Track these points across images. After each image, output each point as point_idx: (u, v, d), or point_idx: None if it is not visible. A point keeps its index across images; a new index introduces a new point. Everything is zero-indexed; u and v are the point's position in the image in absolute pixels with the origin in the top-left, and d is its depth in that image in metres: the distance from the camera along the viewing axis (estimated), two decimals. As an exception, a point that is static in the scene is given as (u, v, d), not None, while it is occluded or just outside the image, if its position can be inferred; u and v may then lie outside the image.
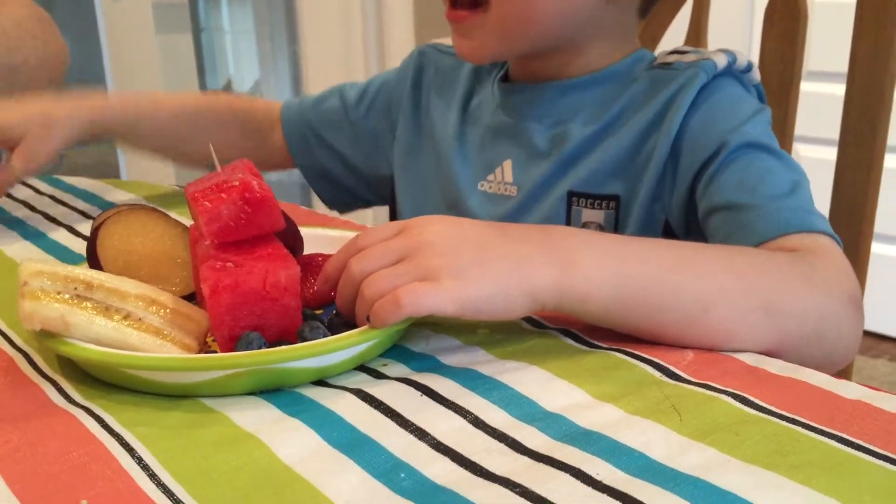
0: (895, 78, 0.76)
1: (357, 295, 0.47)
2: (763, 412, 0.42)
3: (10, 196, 0.84)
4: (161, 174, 2.14)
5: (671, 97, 0.64)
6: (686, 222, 0.64)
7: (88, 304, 0.46)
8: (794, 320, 0.49)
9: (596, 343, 0.50)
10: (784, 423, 0.41)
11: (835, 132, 0.79)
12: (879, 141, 0.78)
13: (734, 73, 0.66)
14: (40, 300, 0.45)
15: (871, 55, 0.76)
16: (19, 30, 0.89)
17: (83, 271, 0.47)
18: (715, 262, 0.50)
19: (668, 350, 0.48)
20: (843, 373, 0.78)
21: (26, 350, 0.51)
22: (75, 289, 0.46)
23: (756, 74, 0.67)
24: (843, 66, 0.79)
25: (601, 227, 0.66)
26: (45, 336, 0.46)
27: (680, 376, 0.46)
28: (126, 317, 0.47)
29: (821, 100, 1.15)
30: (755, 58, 0.78)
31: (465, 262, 0.46)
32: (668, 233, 0.65)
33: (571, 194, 0.67)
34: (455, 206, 0.74)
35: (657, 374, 0.46)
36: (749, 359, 0.48)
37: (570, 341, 0.50)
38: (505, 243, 0.47)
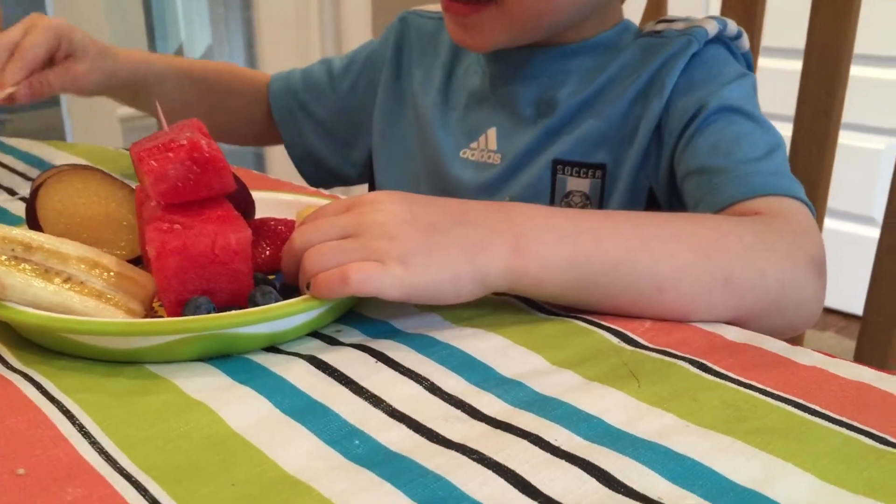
0: (851, 54, 0.77)
1: (299, 266, 0.45)
2: (721, 378, 0.41)
3: (-55, 157, 0.80)
4: (108, 139, 2.08)
5: (661, 65, 0.63)
6: (668, 190, 0.63)
7: (27, 267, 0.44)
8: (754, 293, 0.49)
9: (554, 310, 0.49)
10: (742, 388, 0.40)
11: (791, 108, 0.79)
12: (834, 117, 0.78)
13: (724, 39, 0.65)
14: (-25, 262, 0.43)
15: (828, 31, 0.76)
16: None
17: (21, 232, 0.45)
18: (675, 239, 0.49)
19: (627, 318, 0.48)
20: (795, 342, 0.79)
21: (-39, 315, 0.49)
22: (13, 250, 0.44)
23: (745, 42, 0.67)
24: (799, 42, 0.79)
25: (586, 196, 0.66)
26: (-20, 299, 0.44)
27: (638, 342, 0.45)
28: (67, 280, 0.45)
29: (776, 75, 1.15)
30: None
31: (413, 246, 0.44)
32: (651, 200, 0.64)
33: (557, 162, 0.66)
34: (437, 174, 0.72)
35: (615, 340, 0.45)
36: (707, 326, 0.48)
37: (528, 308, 0.49)
38: (456, 226, 0.46)
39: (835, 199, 0.87)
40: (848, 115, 0.81)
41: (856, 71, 0.80)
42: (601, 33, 0.67)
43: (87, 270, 0.45)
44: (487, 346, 0.44)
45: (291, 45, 2.21)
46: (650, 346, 0.45)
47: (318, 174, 0.85)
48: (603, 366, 0.43)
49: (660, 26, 0.66)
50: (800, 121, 0.79)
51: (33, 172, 0.75)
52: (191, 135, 0.48)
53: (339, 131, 0.82)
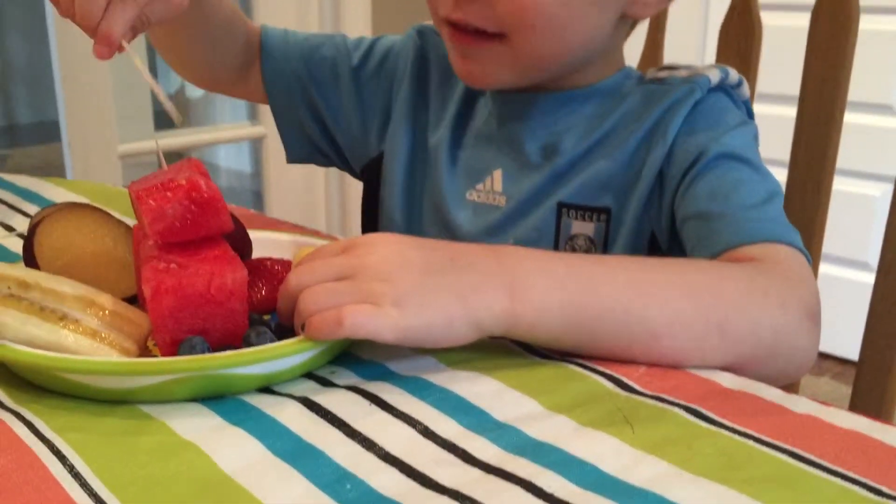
0: (845, 101, 0.78)
1: (294, 307, 0.46)
2: (715, 425, 0.41)
3: (-55, 193, 0.81)
4: (108, 176, 2.09)
5: (665, 112, 0.64)
6: (670, 234, 0.63)
7: (23, 305, 0.44)
8: (748, 341, 0.49)
9: (549, 353, 0.49)
10: (736, 436, 0.40)
11: (785, 153, 0.80)
12: (829, 163, 0.79)
13: (725, 87, 0.66)
14: (-30, 299, 0.43)
15: (822, 78, 0.77)
16: None
17: (18, 270, 0.45)
18: (669, 285, 0.49)
19: (621, 362, 0.48)
20: (790, 388, 0.78)
21: (-46, 351, 0.48)
22: (9, 288, 0.44)
23: (745, 90, 0.67)
24: (794, 89, 0.80)
25: (591, 240, 0.66)
26: (-25, 337, 0.44)
27: (632, 388, 0.45)
28: (62, 318, 0.45)
29: (771, 121, 1.17)
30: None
31: (408, 289, 0.44)
32: (653, 244, 0.64)
33: (562, 206, 0.66)
34: (440, 214, 0.71)
35: (610, 385, 0.45)
36: (702, 372, 0.48)
37: (523, 351, 0.49)
38: (451, 269, 0.46)
39: (831, 244, 0.87)
40: (843, 161, 0.81)
41: (851, 118, 0.81)
42: (605, 79, 0.68)
43: (82, 309, 0.45)
44: (482, 389, 0.44)
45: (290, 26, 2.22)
46: (645, 391, 0.45)
47: (304, 149, 0.79)
48: (597, 411, 0.43)
49: (662, 73, 0.67)
50: (794, 166, 0.80)
51: (31, 209, 0.75)
52: (190, 175, 0.48)
53: (339, 123, 0.76)
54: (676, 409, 0.43)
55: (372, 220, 0.78)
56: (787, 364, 0.51)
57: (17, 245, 0.67)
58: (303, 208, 2.41)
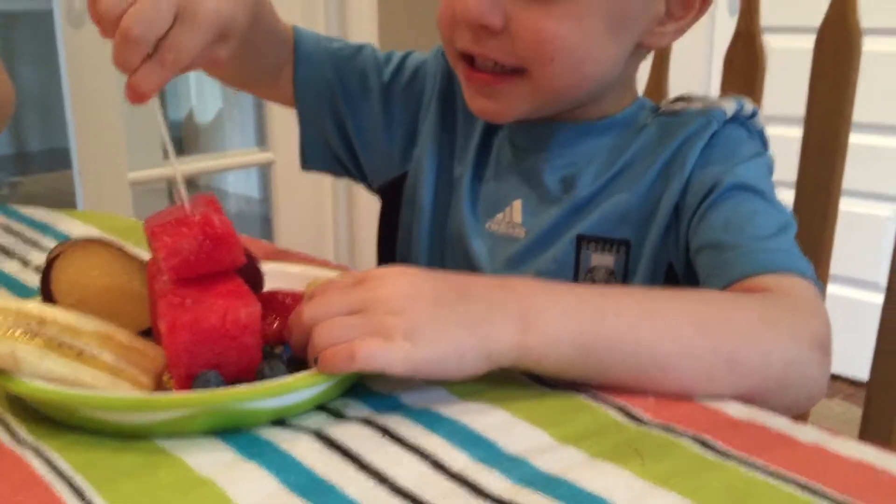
0: (850, 123, 0.79)
1: (308, 340, 0.46)
2: (723, 456, 0.42)
3: (-39, 225, 0.82)
4: (119, 204, 2.11)
5: (681, 144, 0.64)
6: (686, 264, 0.64)
7: (40, 341, 0.45)
8: (758, 373, 0.50)
9: (558, 384, 0.49)
10: (743, 468, 0.41)
11: (792, 174, 0.81)
12: (835, 184, 0.80)
13: (740, 118, 0.66)
14: (-10, 336, 0.44)
15: (828, 101, 0.78)
16: None
17: (36, 306, 0.46)
18: (679, 317, 0.50)
19: (631, 392, 0.48)
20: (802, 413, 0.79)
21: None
22: (28, 324, 0.45)
23: (759, 121, 0.68)
24: (799, 109, 0.80)
25: (611, 272, 0.66)
26: (-5, 373, 0.44)
27: (641, 418, 0.46)
28: (79, 353, 0.45)
29: (777, 142, 1.18)
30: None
31: (420, 322, 0.45)
32: (670, 274, 0.65)
33: (581, 238, 0.66)
34: (461, 244, 0.71)
35: (619, 416, 0.46)
36: (710, 402, 0.48)
37: (532, 382, 0.50)
38: (461, 301, 0.47)
39: (840, 265, 0.88)
40: (854, 182, 0.82)
41: (858, 139, 0.82)
42: (621, 110, 0.68)
43: (99, 344, 0.46)
44: (492, 421, 0.45)
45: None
46: (653, 421, 0.45)
47: (325, 159, 0.78)
48: (607, 442, 0.43)
49: (678, 105, 0.68)
50: (802, 187, 0.80)
51: (46, 241, 0.76)
52: (204, 210, 0.49)
53: (364, 135, 0.76)
54: (685, 441, 0.43)
55: (389, 240, 0.78)
56: (797, 395, 0.52)
57: (33, 279, 0.68)
58: (311, 233, 2.43)
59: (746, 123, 0.67)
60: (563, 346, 0.47)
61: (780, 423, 0.46)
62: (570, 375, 0.49)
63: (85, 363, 0.45)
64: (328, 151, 0.77)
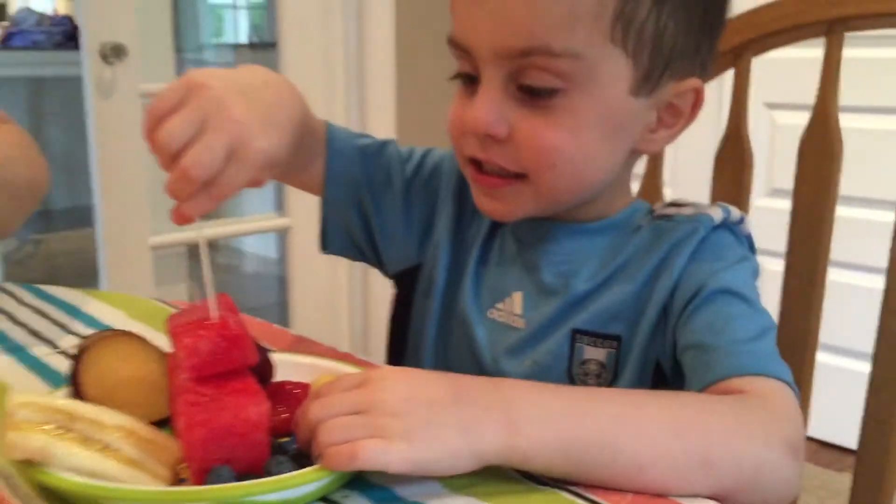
0: (836, 197, 0.83)
1: (313, 437, 0.50)
2: (692, 555, 0.45)
3: (-7, 305, 0.87)
4: (139, 265, 2.16)
5: (671, 248, 0.68)
6: (673, 362, 0.67)
7: (70, 436, 0.49)
8: (731, 474, 0.53)
9: (544, 480, 0.53)
10: (710, 567, 0.44)
11: (782, 245, 0.84)
12: (822, 255, 0.83)
13: (728, 225, 0.70)
14: (24, 431, 0.49)
15: (815, 176, 0.82)
16: (10, 149, 0.94)
17: (66, 403, 0.51)
18: (656, 421, 0.53)
19: (609, 490, 0.52)
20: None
21: (7, 473, 0.54)
22: (58, 420, 0.50)
23: (747, 226, 0.72)
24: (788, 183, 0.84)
25: (602, 365, 0.70)
26: (28, 465, 0.49)
27: (620, 516, 0.49)
28: (104, 448, 0.50)
29: (768, 213, 1.23)
30: (706, 196, 0.85)
31: (416, 423, 0.49)
32: (658, 369, 0.68)
33: (576, 332, 0.70)
34: (465, 330, 0.75)
35: (598, 513, 0.50)
36: (685, 500, 0.52)
37: (520, 478, 0.53)
38: (454, 404, 0.51)
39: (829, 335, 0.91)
40: (836, 253, 0.86)
41: (845, 212, 0.85)
42: (618, 212, 0.73)
43: (121, 438, 0.51)
44: (479, 517, 0.49)
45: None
46: (631, 519, 0.49)
47: (345, 245, 0.82)
48: (585, 539, 0.47)
49: (670, 210, 0.72)
50: (791, 257, 0.84)
51: (73, 324, 0.81)
52: (221, 313, 0.54)
53: (385, 228, 0.80)
54: (658, 538, 0.47)
55: (401, 326, 0.82)
56: (768, 496, 0.55)
57: (59, 362, 0.72)
58: (326, 294, 2.48)
59: (734, 229, 0.71)
60: (547, 448, 0.51)
61: (749, 523, 0.49)
62: (555, 474, 0.53)
63: (109, 457, 0.49)
64: (349, 239, 0.81)
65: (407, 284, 0.81)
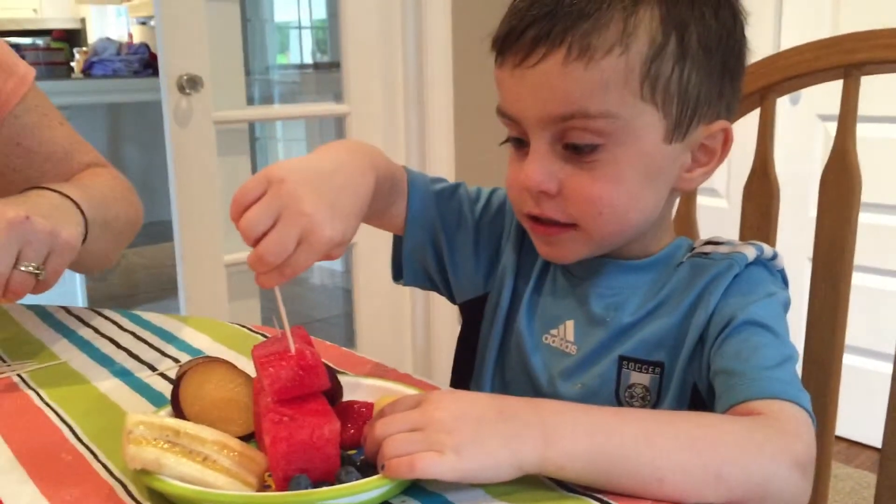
0: (856, 228, 0.89)
1: (377, 450, 0.60)
2: (698, 554, 0.53)
3: (96, 331, 0.99)
4: (214, 280, 2.29)
5: (708, 283, 0.75)
6: (708, 384, 0.74)
7: (176, 449, 0.60)
8: (741, 487, 0.60)
9: (575, 488, 0.61)
10: (712, 564, 0.52)
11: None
12: (846, 266, 0.89)
13: (762, 261, 0.77)
14: (141, 445, 0.59)
15: (835, 217, 0.88)
16: (114, 192, 1.06)
17: (172, 421, 0.61)
18: (675, 437, 0.61)
19: (633, 498, 0.60)
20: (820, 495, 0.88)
21: (122, 479, 0.64)
22: (167, 436, 0.60)
23: (780, 262, 0.79)
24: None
25: (646, 388, 0.77)
26: (143, 473, 0.59)
27: (639, 520, 0.57)
28: (204, 459, 0.60)
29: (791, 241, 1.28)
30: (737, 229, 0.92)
31: (465, 438, 0.58)
32: (695, 392, 0.75)
33: (622, 358, 0.78)
34: (520, 354, 0.83)
35: (620, 518, 0.58)
36: (698, 508, 0.59)
37: (554, 486, 0.62)
38: (498, 421, 0.60)
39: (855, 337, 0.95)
40: (859, 258, 0.91)
41: (868, 218, 0.89)
42: (662, 248, 0.80)
43: (218, 451, 0.61)
44: (517, 520, 0.57)
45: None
46: (649, 523, 0.57)
47: (418, 278, 0.90)
48: (607, 540, 0.55)
49: (708, 248, 0.79)
50: (816, 263, 0.90)
51: (168, 348, 0.93)
52: (298, 346, 0.64)
53: (458, 265, 0.88)
54: (670, 540, 0.55)
55: (466, 351, 0.91)
56: None
57: (157, 382, 0.84)
58: (390, 306, 2.58)
59: (768, 265, 0.78)
60: (578, 460, 0.60)
61: (752, 528, 0.57)
62: (585, 482, 0.61)
63: (208, 467, 0.60)
64: (422, 272, 0.90)
65: (473, 312, 0.91)
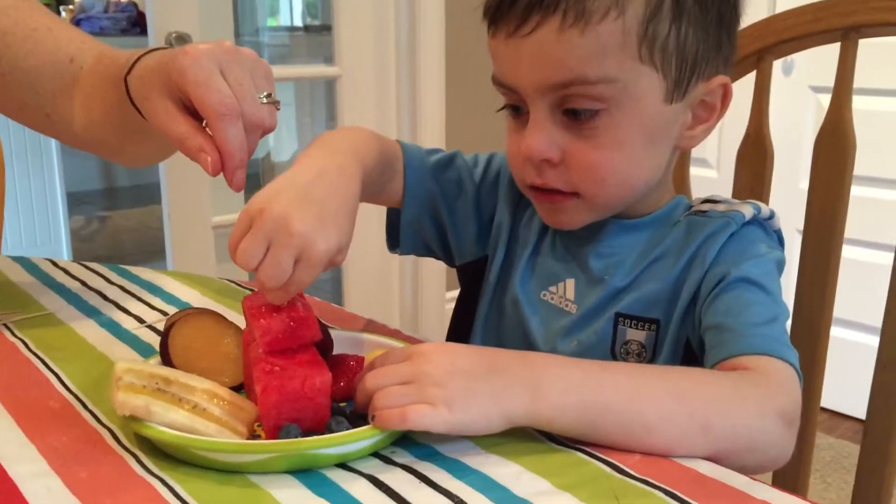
0: (849, 191, 0.89)
1: (369, 402, 0.60)
2: (685, 505, 0.54)
3: (83, 283, 0.98)
4: (202, 243, 2.28)
5: (704, 241, 0.76)
6: (700, 340, 0.74)
7: (166, 397, 0.59)
8: (727, 438, 0.61)
9: (563, 440, 0.62)
10: (700, 515, 0.52)
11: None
12: (837, 235, 0.90)
13: (759, 220, 0.77)
14: (130, 392, 0.59)
15: (828, 182, 0.89)
16: None
17: (162, 369, 0.61)
18: (663, 390, 0.61)
19: (620, 451, 0.60)
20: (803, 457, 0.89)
21: (110, 427, 0.64)
22: (156, 383, 0.60)
23: (777, 222, 0.79)
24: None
25: (642, 345, 0.78)
26: (132, 420, 0.59)
27: (626, 472, 0.58)
28: (194, 407, 0.60)
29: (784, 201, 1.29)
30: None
31: (456, 392, 0.58)
32: (688, 348, 0.76)
33: (619, 316, 0.78)
34: (517, 312, 0.83)
35: (608, 469, 0.58)
36: (685, 461, 0.60)
37: (542, 438, 0.62)
38: (489, 374, 0.60)
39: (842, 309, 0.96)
40: (850, 231, 0.91)
41: (859, 191, 0.89)
42: (661, 207, 0.80)
43: (208, 400, 0.61)
44: (506, 471, 0.58)
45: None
46: (636, 475, 0.57)
47: (416, 246, 0.90)
48: (594, 490, 0.55)
49: (705, 206, 0.79)
50: (807, 237, 0.91)
51: (156, 301, 0.92)
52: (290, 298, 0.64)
53: (458, 233, 0.88)
54: (657, 492, 0.55)
55: (468, 312, 0.91)
56: (762, 458, 0.63)
57: (146, 335, 0.83)
58: (378, 270, 2.58)
59: (764, 224, 0.78)
60: (567, 412, 0.60)
61: (739, 481, 0.57)
62: (574, 435, 0.61)
63: (198, 415, 0.59)
64: (421, 241, 0.90)
65: (471, 274, 0.91)
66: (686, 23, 0.71)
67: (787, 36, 0.87)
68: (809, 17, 0.85)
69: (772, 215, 0.78)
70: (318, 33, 3.85)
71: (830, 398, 0.92)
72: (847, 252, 0.92)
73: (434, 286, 2.63)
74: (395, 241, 0.90)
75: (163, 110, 0.71)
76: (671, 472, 0.58)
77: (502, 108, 0.78)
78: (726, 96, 0.75)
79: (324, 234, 0.63)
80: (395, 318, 2.65)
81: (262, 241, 0.61)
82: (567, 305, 0.81)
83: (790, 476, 0.93)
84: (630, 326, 0.78)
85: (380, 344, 0.74)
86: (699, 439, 0.60)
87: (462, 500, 0.54)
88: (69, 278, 1.01)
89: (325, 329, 0.70)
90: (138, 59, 0.77)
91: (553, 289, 0.83)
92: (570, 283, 0.82)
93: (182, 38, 2.14)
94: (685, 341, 0.76)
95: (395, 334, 0.80)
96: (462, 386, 0.59)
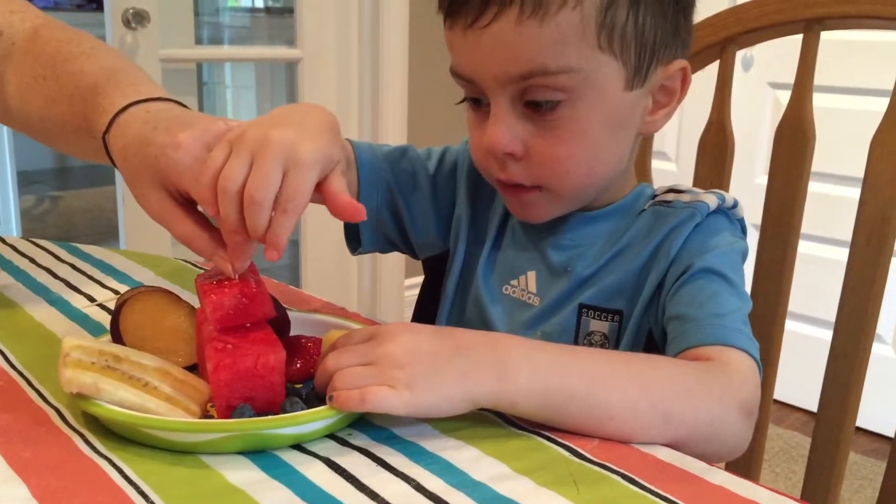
0: (808, 181, 0.90)
1: (328, 383, 0.59)
2: (643, 490, 0.53)
3: (32, 260, 0.95)
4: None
5: (669, 232, 0.75)
6: (662, 330, 0.74)
7: (115, 374, 0.57)
8: (686, 427, 0.61)
9: (523, 425, 0.61)
10: (658, 500, 0.52)
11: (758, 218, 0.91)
12: (795, 229, 0.90)
13: (723, 210, 0.77)
14: (78, 369, 0.57)
15: (788, 171, 0.89)
16: None
17: (113, 346, 0.59)
18: (627, 377, 0.61)
19: (580, 436, 0.60)
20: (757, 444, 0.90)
21: (56, 405, 0.62)
22: (106, 360, 0.58)
23: (740, 211, 0.79)
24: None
25: (605, 336, 0.77)
26: (80, 398, 0.57)
27: (585, 457, 0.57)
28: (145, 385, 0.58)
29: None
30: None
31: (418, 374, 0.57)
32: (650, 339, 0.76)
33: (582, 307, 0.78)
34: (479, 306, 0.83)
35: (567, 454, 0.58)
36: (644, 447, 0.60)
37: (502, 422, 0.62)
38: (453, 356, 0.59)
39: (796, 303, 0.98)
40: (806, 226, 0.93)
41: (816, 187, 0.90)
42: (624, 196, 0.80)
43: (159, 378, 0.59)
44: (465, 456, 0.57)
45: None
46: (595, 459, 0.57)
47: (377, 243, 0.89)
48: (553, 474, 0.55)
49: (669, 196, 0.79)
50: (764, 231, 0.91)
51: (108, 280, 0.90)
52: (243, 274, 0.62)
53: (416, 224, 0.87)
54: (615, 476, 0.55)
55: (432, 304, 0.90)
56: (720, 447, 0.63)
57: (96, 313, 0.81)
58: (336, 256, 2.56)
59: (728, 214, 0.78)
60: (531, 396, 0.59)
61: (696, 467, 0.57)
62: (538, 419, 0.61)
63: (149, 393, 0.57)
64: (381, 237, 0.88)
65: (436, 269, 0.90)
66: (644, 9, 0.71)
67: (751, 26, 0.87)
68: (772, 7, 0.85)
69: (735, 204, 0.78)
70: (279, 15, 3.80)
71: (780, 390, 0.93)
72: (802, 247, 0.93)
73: (393, 273, 2.62)
74: (354, 239, 0.88)
75: (155, 201, 0.67)
76: (630, 457, 0.58)
77: (462, 101, 0.77)
78: (685, 80, 0.75)
79: (309, 139, 0.60)
80: (354, 303, 2.64)
81: (245, 157, 0.59)
82: (530, 298, 0.81)
83: (742, 465, 0.93)
84: (593, 318, 0.78)
85: (338, 325, 0.72)
86: (660, 428, 0.60)
87: (420, 484, 0.53)
88: (17, 255, 0.98)
89: (280, 308, 0.69)
90: (115, 116, 0.71)
91: (514, 282, 0.82)
92: (532, 276, 0.81)
93: (139, 15, 2.09)
94: (647, 332, 0.76)
95: (353, 317, 0.79)
96: (425, 367, 0.58)
